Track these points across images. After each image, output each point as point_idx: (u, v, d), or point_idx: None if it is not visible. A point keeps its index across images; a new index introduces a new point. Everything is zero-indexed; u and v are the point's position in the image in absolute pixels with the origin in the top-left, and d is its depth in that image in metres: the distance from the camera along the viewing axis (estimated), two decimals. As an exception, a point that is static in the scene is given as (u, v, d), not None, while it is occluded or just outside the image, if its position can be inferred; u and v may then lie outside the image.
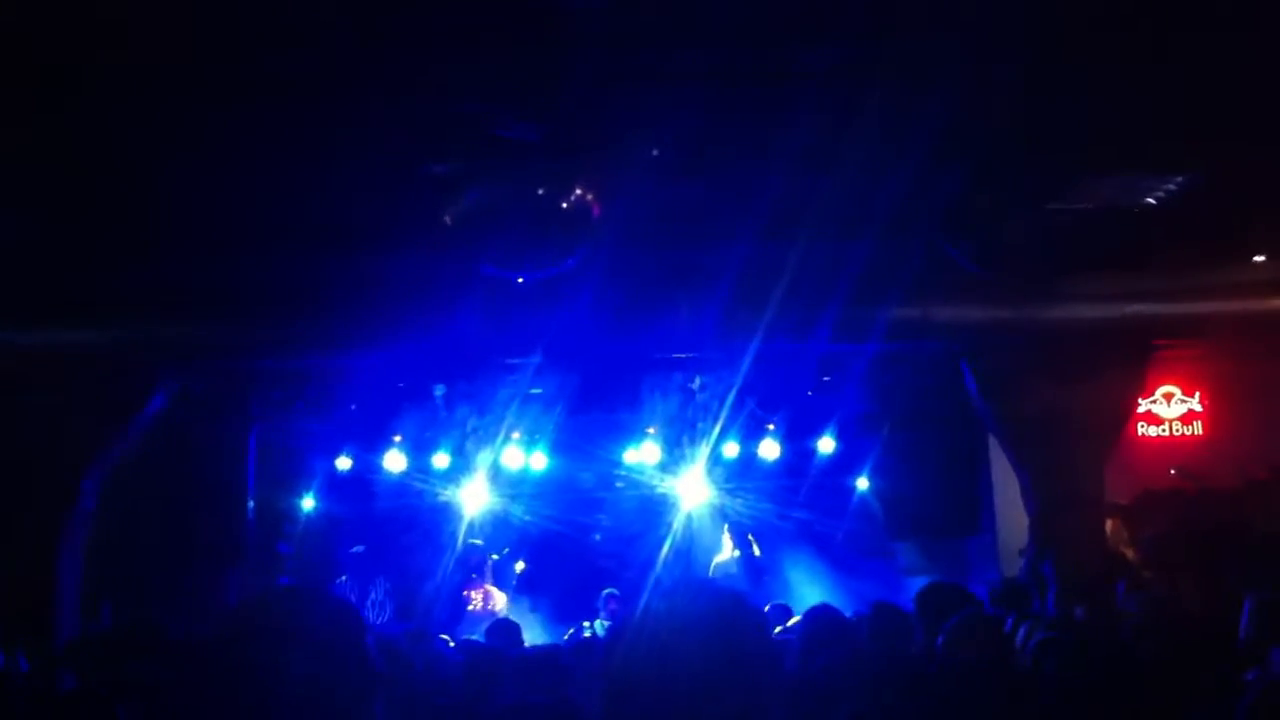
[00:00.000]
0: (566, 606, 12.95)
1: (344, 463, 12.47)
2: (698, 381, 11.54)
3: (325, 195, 7.78)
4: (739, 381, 10.82)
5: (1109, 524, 10.01)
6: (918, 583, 9.66)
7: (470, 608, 12.62)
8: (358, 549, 12.66)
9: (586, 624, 12.32)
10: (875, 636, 5.59)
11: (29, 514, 9.02)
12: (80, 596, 9.36)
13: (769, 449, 12.51)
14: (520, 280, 8.59)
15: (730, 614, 2.60)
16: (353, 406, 11.75)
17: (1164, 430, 11.49)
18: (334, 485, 12.72)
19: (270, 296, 9.18)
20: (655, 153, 7.32)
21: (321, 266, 8.81)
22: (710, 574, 13.06)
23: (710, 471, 12.75)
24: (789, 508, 13.06)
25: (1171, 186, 8.37)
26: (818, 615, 5.65)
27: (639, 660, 2.53)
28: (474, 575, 13.14)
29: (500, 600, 12.84)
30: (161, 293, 9.04)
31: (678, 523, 12.99)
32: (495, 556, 13.52)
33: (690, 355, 10.41)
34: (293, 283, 9.02)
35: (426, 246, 8.28)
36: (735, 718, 2.55)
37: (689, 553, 12.95)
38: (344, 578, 12.64)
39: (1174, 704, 3.64)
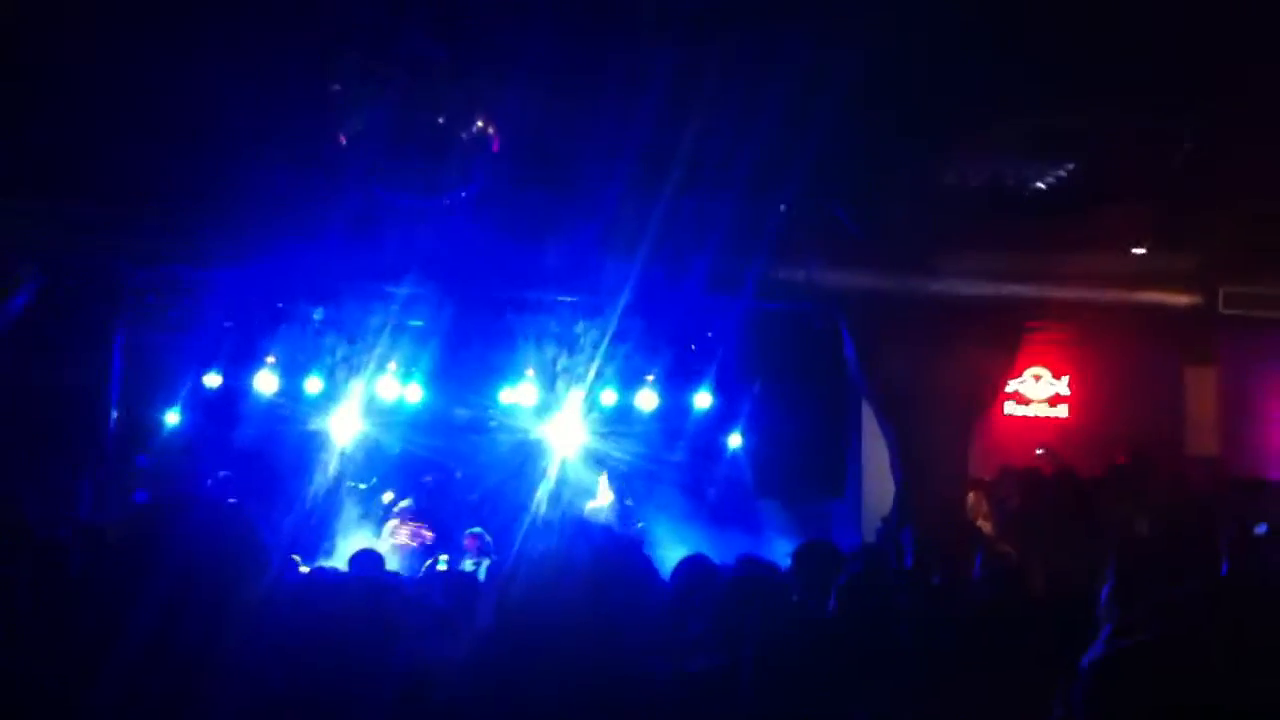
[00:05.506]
0: (433, 541, 12.87)
1: (213, 379, 12.18)
2: (580, 325, 11.52)
3: (209, 96, 7.53)
4: (614, 325, 10.82)
5: (970, 497, 10.27)
6: (782, 542, 9.82)
7: (395, 540, 12.47)
8: (223, 474, 12.39)
9: (444, 557, 12.28)
10: (740, 590, 5.63)
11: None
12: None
13: (646, 399, 12.56)
14: (406, 205, 8.46)
15: (617, 556, 2.60)
16: (227, 324, 11.47)
17: (1031, 410, 11.81)
18: (201, 402, 12.41)
19: (139, 192, 8.87)
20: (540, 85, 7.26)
21: (195, 169, 8.52)
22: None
23: (586, 417, 12.75)
24: (664, 459, 13.12)
25: (1061, 173, 8.56)
26: (689, 565, 5.69)
27: (526, 600, 2.52)
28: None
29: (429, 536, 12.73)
30: (22, 177, 8.68)
31: (552, 466, 12.97)
32: (363, 486, 13.36)
33: (561, 295, 10.39)
34: (163, 182, 8.72)
35: (306, 162, 8.10)
36: (616, 657, 2.56)
37: (561, 497, 12.94)
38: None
39: (1020, 672, 3.74)
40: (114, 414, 10.96)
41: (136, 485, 11.49)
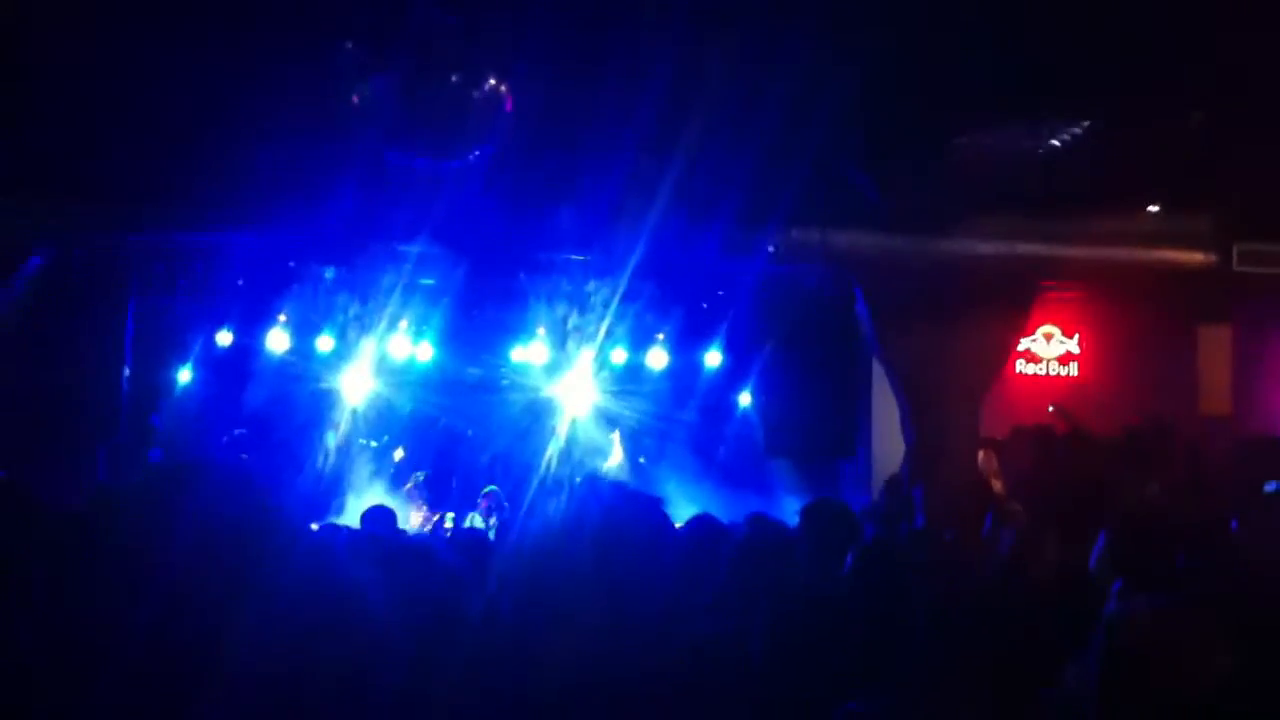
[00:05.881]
0: (444, 498, 12.94)
1: (225, 338, 12.21)
2: (592, 285, 11.51)
3: (215, 70, 7.52)
4: (624, 286, 10.81)
5: (980, 456, 10.27)
6: (792, 500, 9.84)
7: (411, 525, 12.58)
8: (238, 432, 12.43)
9: (450, 515, 12.35)
10: (751, 548, 5.63)
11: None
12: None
13: (657, 358, 12.56)
14: (420, 168, 8.44)
15: (629, 515, 2.61)
16: (239, 282, 11.49)
17: (1041, 369, 11.78)
18: (213, 361, 12.45)
19: (149, 169, 8.87)
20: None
21: (203, 141, 8.53)
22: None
23: (597, 376, 12.77)
24: (675, 418, 13.14)
25: (1076, 131, 8.50)
26: (697, 525, 5.69)
27: (534, 560, 2.53)
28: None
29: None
30: (37, 161, 8.70)
31: (562, 425, 13.00)
32: (374, 444, 13.41)
33: (575, 256, 10.38)
34: (173, 157, 8.73)
35: (318, 125, 8.08)
36: (622, 619, 2.58)
37: (572, 455, 12.98)
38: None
39: (1035, 641, 3.74)
40: (126, 373, 11.00)
41: (151, 445, 11.55)
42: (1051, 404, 10.96)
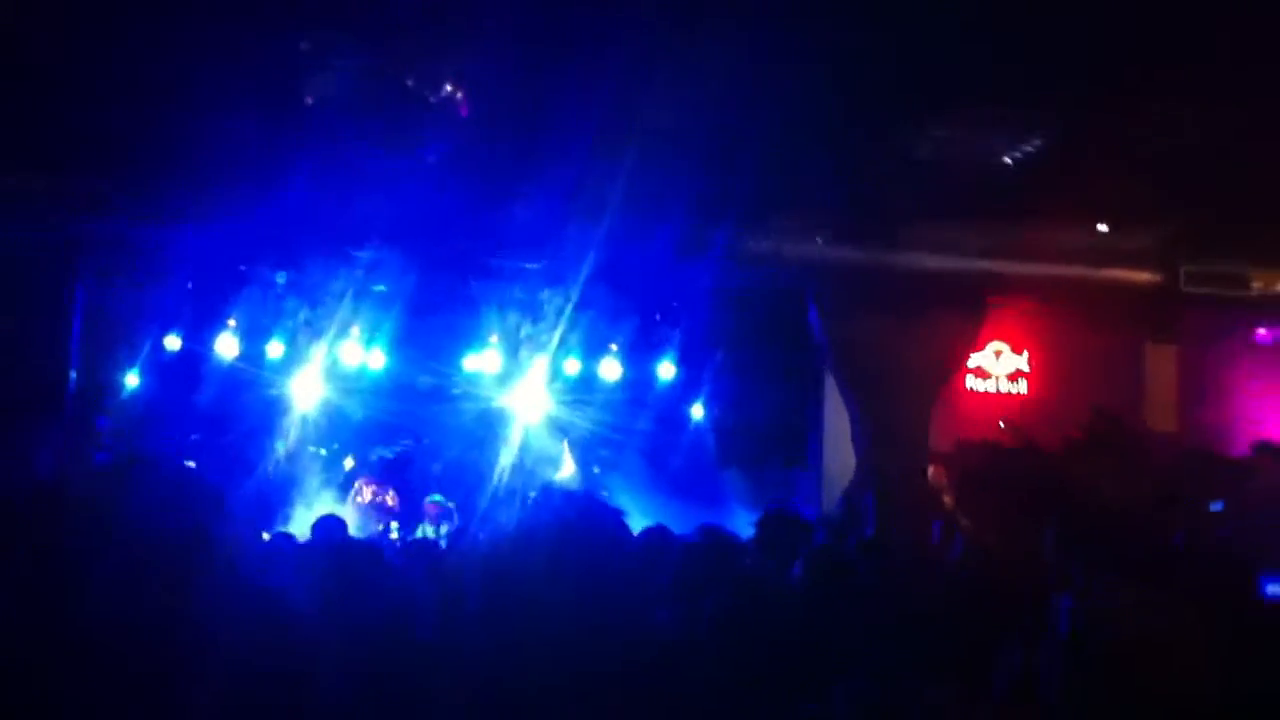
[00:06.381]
0: (393, 507, 12.86)
1: (174, 342, 12.08)
2: (545, 293, 11.50)
3: (172, 52, 7.43)
4: (578, 296, 10.81)
5: (930, 470, 10.35)
6: (744, 511, 9.86)
7: (359, 500, 12.49)
8: (194, 437, 12.29)
9: (395, 524, 12.29)
10: (698, 555, 5.63)
11: None
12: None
13: (610, 369, 12.56)
14: (371, 167, 8.40)
15: (583, 525, 2.61)
16: (188, 285, 11.36)
17: (991, 385, 11.89)
18: (161, 364, 12.31)
19: (98, 149, 8.76)
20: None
21: (154, 125, 8.41)
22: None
23: (549, 385, 12.73)
24: (628, 429, 13.14)
25: (1029, 148, 8.60)
26: (648, 536, 5.68)
27: (491, 571, 2.53)
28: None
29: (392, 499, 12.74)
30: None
31: (514, 434, 12.96)
32: (324, 452, 13.30)
33: (528, 262, 10.36)
34: (125, 139, 8.61)
35: (271, 120, 8.01)
36: (579, 624, 2.58)
37: (524, 465, 12.94)
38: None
39: (989, 630, 3.76)
40: (73, 374, 10.84)
41: (97, 447, 11.39)
42: (1002, 419, 11.08)
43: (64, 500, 3.86)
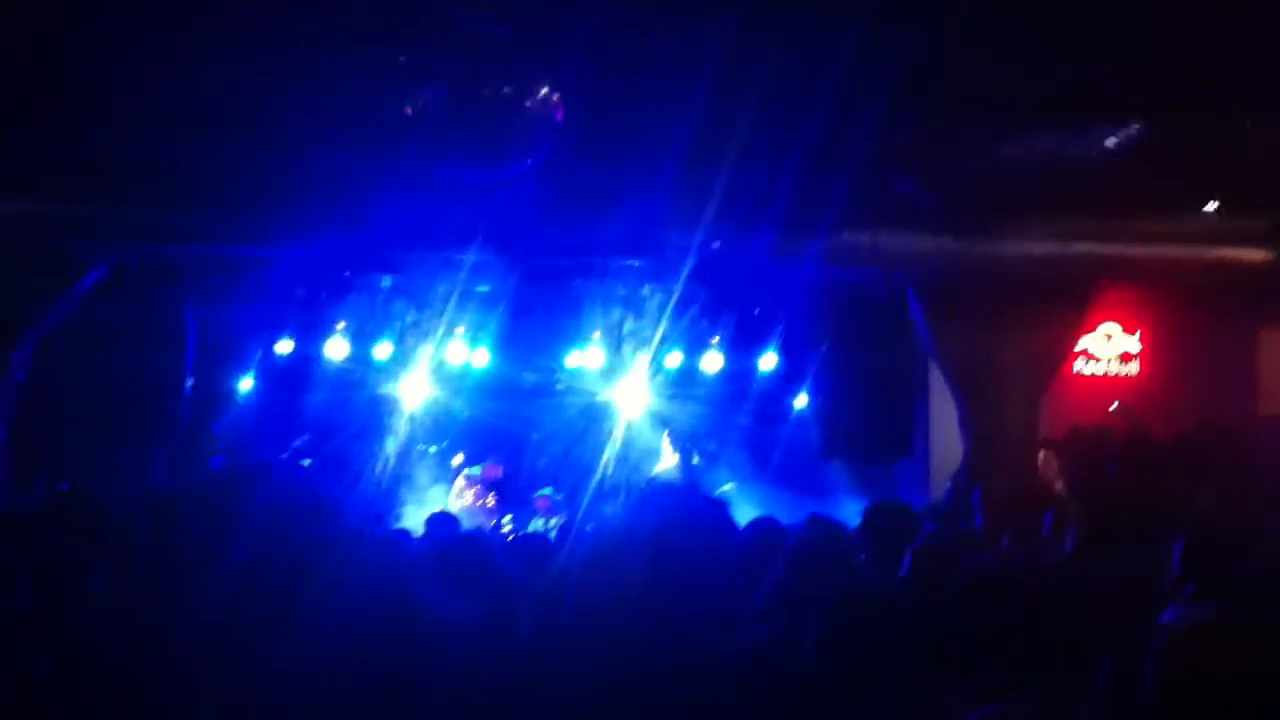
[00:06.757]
0: (502, 504, 13.03)
1: (284, 346, 12.35)
2: (646, 289, 11.55)
3: (269, 82, 7.64)
4: (680, 291, 10.84)
5: (1040, 456, 10.19)
6: (849, 502, 9.81)
7: (462, 502, 12.72)
8: (302, 439, 12.57)
9: (508, 518, 12.45)
10: (809, 550, 5.60)
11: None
12: (11, 470, 9.31)
13: (711, 361, 12.55)
14: (470, 178, 8.52)
15: (685, 521, 2.63)
16: (298, 292, 11.62)
17: (1101, 368, 11.66)
18: (273, 369, 12.60)
19: (200, 181, 9.05)
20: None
21: (256, 153, 8.66)
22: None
23: (652, 380, 12.79)
24: (729, 421, 13.14)
25: (1131, 132, 8.42)
26: (757, 528, 5.68)
27: (587, 566, 2.56)
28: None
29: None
30: (90, 173, 8.91)
31: (618, 428, 13.04)
32: (433, 450, 13.51)
33: (625, 260, 10.42)
34: (225, 169, 8.89)
35: (368, 138, 8.17)
36: (670, 627, 2.60)
37: (628, 459, 13.02)
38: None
39: (1091, 642, 3.71)
40: (189, 383, 11.18)
41: (213, 452, 11.71)
42: (1115, 403, 10.85)
43: (180, 507, 4.00)
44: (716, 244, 8.90)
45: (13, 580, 3.86)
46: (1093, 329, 11.41)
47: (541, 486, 12.90)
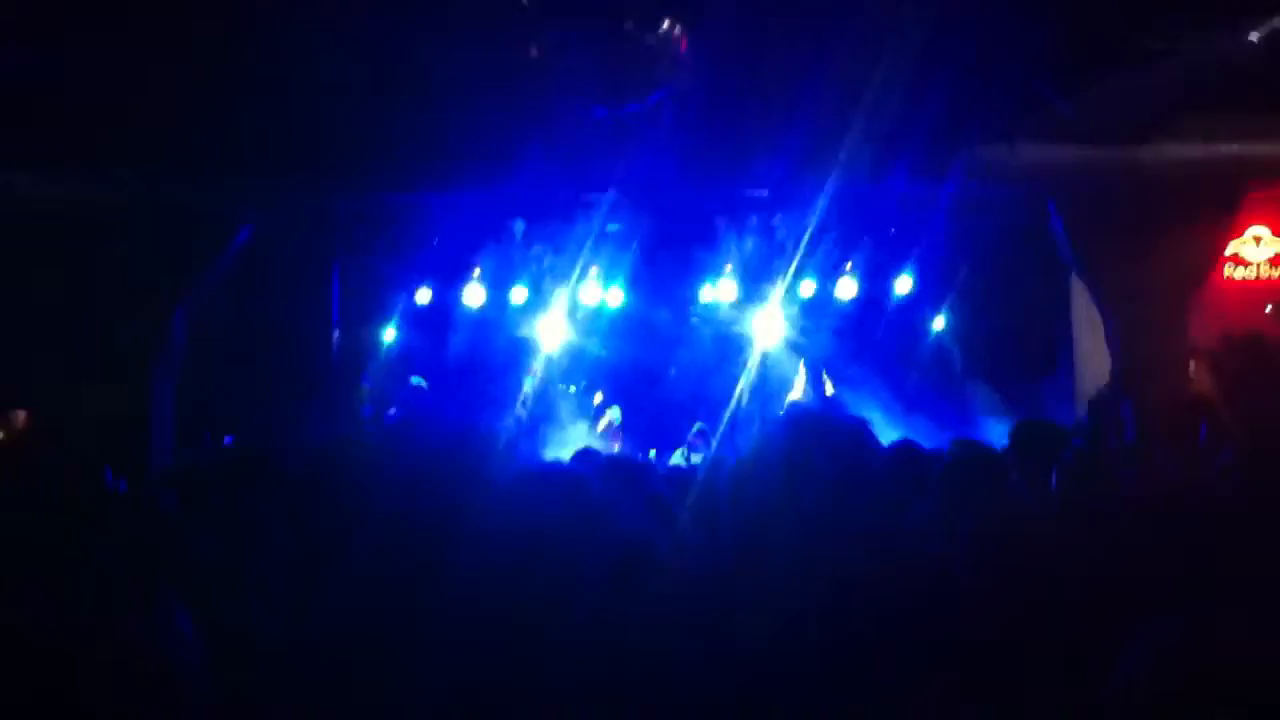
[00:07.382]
0: (644, 439, 13.17)
1: (424, 295, 12.62)
2: (778, 218, 11.48)
3: (396, 37, 7.77)
4: (815, 220, 10.73)
5: (1191, 366, 9.92)
6: (993, 423, 9.69)
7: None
8: (417, 381, 12.86)
9: (653, 452, 12.58)
10: (961, 470, 5.52)
11: (124, 349, 9.42)
12: (177, 426, 9.73)
13: (846, 287, 12.46)
14: (600, 117, 8.54)
15: (835, 439, 2.64)
16: (434, 242, 11.85)
17: (1251, 273, 11.26)
18: (413, 318, 12.90)
19: (349, 141, 9.26)
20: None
21: (397, 112, 8.83)
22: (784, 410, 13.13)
23: (786, 309, 12.74)
24: (864, 346, 13.05)
25: (1277, 26, 8.06)
26: (896, 451, 5.63)
27: (730, 496, 2.59)
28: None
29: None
30: (246, 137, 9.15)
31: (753, 360, 13.04)
32: (573, 389, 13.70)
33: (765, 194, 10.35)
34: (370, 129, 9.07)
35: (497, 82, 8.24)
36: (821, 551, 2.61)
37: (764, 389, 13.02)
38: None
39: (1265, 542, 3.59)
40: (335, 336, 11.51)
41: (363, 401, 12.08)
42: (1268, 307, 10.47)
43: (336, 460, 4.14)
44: (859, 172, 8.80)
45: (197, 538, 4.04)
46: (1241, 233, 11.01)
47: (683, 421, 12.99)
